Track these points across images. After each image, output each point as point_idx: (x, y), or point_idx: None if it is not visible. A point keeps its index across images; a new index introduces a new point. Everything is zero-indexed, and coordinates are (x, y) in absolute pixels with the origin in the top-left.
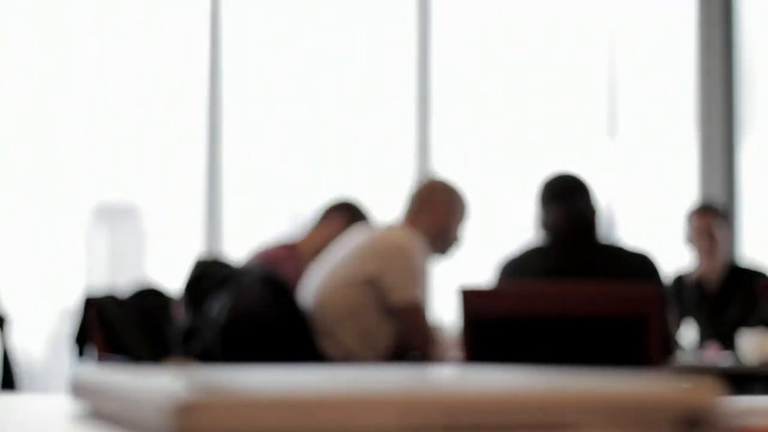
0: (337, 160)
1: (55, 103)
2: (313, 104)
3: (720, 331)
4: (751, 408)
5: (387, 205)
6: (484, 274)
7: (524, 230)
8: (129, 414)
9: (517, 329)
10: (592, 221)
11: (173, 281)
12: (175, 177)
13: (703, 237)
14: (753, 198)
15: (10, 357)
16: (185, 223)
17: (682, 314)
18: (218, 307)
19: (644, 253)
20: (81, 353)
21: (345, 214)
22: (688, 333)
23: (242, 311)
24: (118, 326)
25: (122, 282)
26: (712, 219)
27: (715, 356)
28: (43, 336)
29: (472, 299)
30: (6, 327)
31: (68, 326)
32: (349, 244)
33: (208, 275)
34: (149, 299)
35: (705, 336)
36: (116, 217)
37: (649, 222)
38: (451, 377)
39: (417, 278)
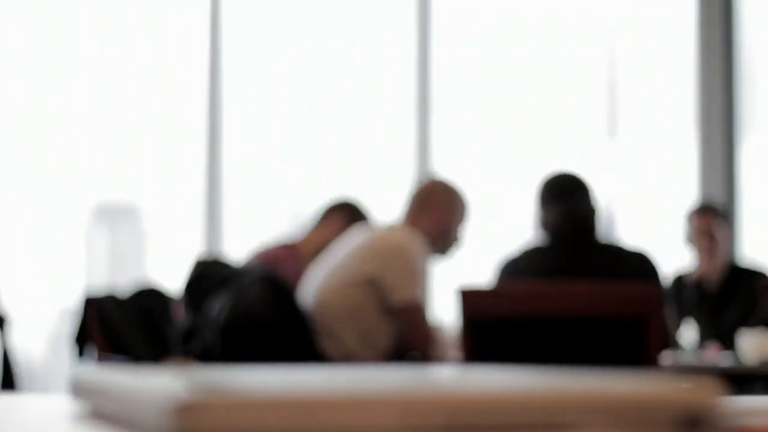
0: (337, 160)
1: (55, 103)
2: (313, 104)
3: (720, 331)
4: (751, 408)
5: (387, 205)
6: (484, 274)
7: (524, 230)
8: (129, 414)
9: (516, 329)
10: (592, 221)
11: (173, 281)
12: (175, 177)
13: (703, 237)
14: (753, 198)
15: (10, 357)
16: (185, 223)
17: (682, 314)
18: (218, 307)
19: (643, 253)
20: (81, 353)
21: (345, 214)
22: (688, 333)
23: (242, 311)
24: (118, 326)
25: (122, 282)
26: (712, 219)
27: (715, 356)
28: (43, 336)
29: (471, 299)
30: (6, 327)
31: (68, 326)
32: (349, 244)
33: (208, 275)
34: (149, 299)
35: (705, 336)
36: (116, 217)
37: (649, 222)
38: (451, 377)
39: (417, 278)
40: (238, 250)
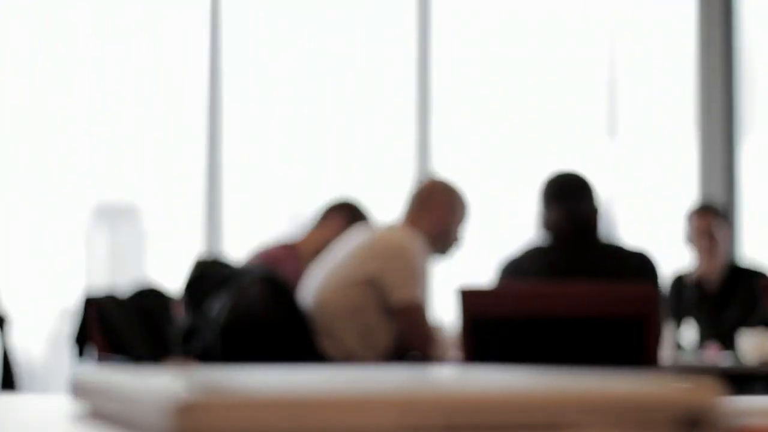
0: (337, 160)
1: (55, 103)
2: (313, 104)
3: (720, 331)
4: (751, 408)
5: (387, 205)
6: (484, 274)
7: (524, 230)
8: (129, 414)
9: (516, 329)
10: (594, 221)
11: (173, 281)
12: (175, 177)
13: (703, 237)
14: (753, 198)
15: (10, 357)
16: (185, 223)
17: (682, 314)
18: (218, 307)
19: (644, 253)
20: (81, 353)
21: (345, 214)
22: (688, 333)
23: (242, 311)
24: (118, 326)
25: (122, 282)
26: (712, 219)
27: (715, 356)
28: (43, 336)
29: (471, 299)
30: (6, 327)
31: (68, 326)
32: (349, 244)
33: (208, 275)
34: (149, 299)
35: (705, 336)
36: (116, 217)
37: (649, 222)
38: (451, 377)
39: (417, 278)
40: (238, 250)
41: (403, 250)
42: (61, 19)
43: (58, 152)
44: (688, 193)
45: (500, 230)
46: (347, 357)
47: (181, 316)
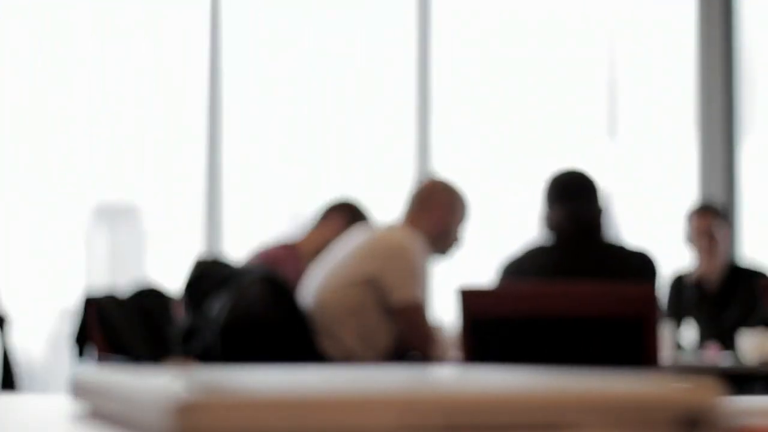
0: (337, 160)
1: (55, 103)
2: (313, 104)
3: (720, 331)
4: (751, 408)
5: (387, 205)
6: (484, 274)
7: (524, 230)
8: (129, 414)
9: (516, 329)
10: (597, 221)
11: (173, 281)
12: (175, 177)
13: (703, 237)
14: (753, 198)
15: (10, 357)
16: (185, 223)
17: (682, 314)
18: (218, 307)
19: (645, 253)
20: (81, 353)
21: (345, 214)
22: (688, 333)
23: (242, 311)
24: (118, 326)
25: (122, 282)
26: (712, 219)
27: (715, 356)
28: (43, 336)
29: (471, 299)
30: (6, 327)
31: (68, 326)
32: (349, 244)
33: (208, 275)
34: (149, 299)
35: (705, 336)
36: (116, 217)
37: (649, 222)
38: (451, 377)
39: (417, 278)
40: (238, 250)
41: (403, 250)
42: (61, 19)
43: (58, 152)
44: (688, 193)
45: (500, 230)
46: (347, 357)
47: (181, 316)
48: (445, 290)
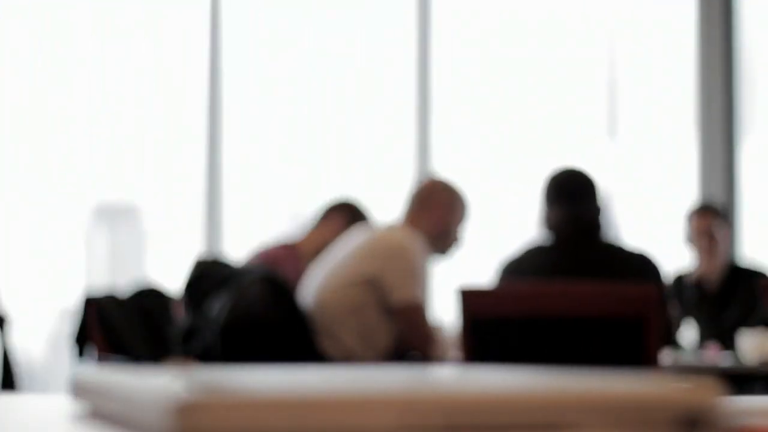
0: (337, 160)
1: (55, 103)
2: (313, 104)
3: (720, 331)
4: (751, 408)
5: (387, 205)
6: (484, 274)
7: (524, 230)
8: (129, 414)
9: (516, 329)
10: (596, 221)
11: (173, 281)
12: (175, 177)
13: (703, 237)
14: (753, 198)
15: (10, 357)
16: (185, 223)
17: (682, 314)
18: (218, 307)
19: (645, 254)
20: (81, 353)
21: (345, 214)
22: (688, 333)
23: (242, 311)
24: (118, 326)
25: (122, 282)
26: (712, 219)
27: (715, 356)
28: (43, 336)
29: (471, 299)
30: (6, 327)
31: (68, 326)
32: (349, 244)
33: (208, 275)
34: (149, 299)
35: (705, 336)
36: (116, 217)
37: (649, 222)
38: (451, 377)
39: (417, 278)
40: (238, 250)
41: (403, 250)
42: (61, 19)
43: (58, 152)
44: (688, 193)
45: (500, 230)
46: (347, 357)
47: (181, 316)
48: (445, 290)
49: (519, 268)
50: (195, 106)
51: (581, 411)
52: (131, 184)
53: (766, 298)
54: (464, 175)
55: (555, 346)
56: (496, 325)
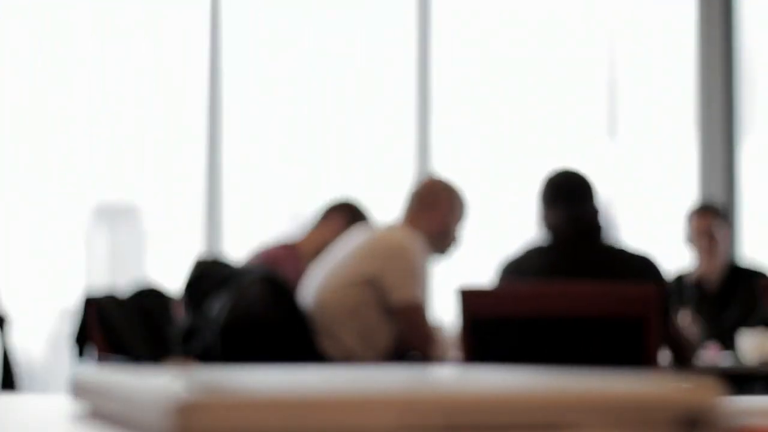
0: (337, 160)
1: (55, 103)
2: (313, 104)
3: (720, 331)
4: (751, 408)
5: (387, 205)
6: (484, 274)
7: (524, 230)
8: (129, 414)
9: (516, 329)
10: (595, 222)
11: (173, 281)
12: (175, 177)
13: (703, 237)
14: (753, 198)
15: (10, 357)
16: (185, 223)
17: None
18: (218, 307)
19: (647, 256)
20: (81, 353)
21: (345, 214)
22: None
23: (242, 311)
24: (118, 326)
25: (122, 282)
26: (712, 219)
27: (715, 356)
28: (43, 336)
29: (471, 299)
30: (6, 327)
31: (68, 326)
32: (349, 244)
33: (208, 275)
34: (149, 299)
35: (705, 336)
36: (116, 217)
37: (649, 222)
38: (451, 377)
39: (417, 278)
40: (238, 250)
41: (403, 250)
42: (61, 19)
43: (58, 152)
44: (688, 193)
45: (500, 230)
46: (347, 357)
47: (181, 316)
48: (445, 290)
49: (519, 269)
50: (195, 106)
51: (581, 411)
52: (131, 184)
53: (766, 298)
54: (464, 175)
55: (555, 346)
56: (496, 325)
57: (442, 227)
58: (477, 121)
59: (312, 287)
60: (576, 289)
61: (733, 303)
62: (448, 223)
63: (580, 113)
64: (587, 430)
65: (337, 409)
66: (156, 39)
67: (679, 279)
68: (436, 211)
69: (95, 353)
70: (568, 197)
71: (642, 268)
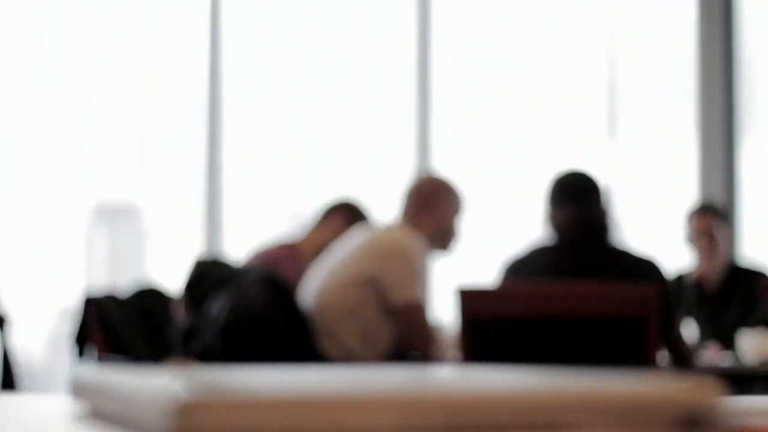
0: (337, 160)
1: (55, 103)
2: (313, 104)
3: (720, 331)
4: (751, 408)
5: (387, 205)
6: (484, 274)
7: (524, 230)
8: (129, 414)
9: (516, 329)
10: (602, 223)
11: (173, 281)
12: (175, 177)
13: (703, 237)
14: (753, 198)
15: (10, 357)
16: (185, 223)
17: (683, 314)
18: (218, 307)
19: (651, 260)
20: (81, 353)
21: (345, 214)
22: (688, 333)
23: (242, 311)
24: (118, 326)
25: (122, 282)
26: (712, 219)
27: (715, 356)
28: (43, 336)
29: (471, 299)
30: (6, 327)
31: (68, 326)
32: (349, 244)
33: (208, 275)
34: (149, 299)
35: (705, 336)
36: (116, 217)
37: (649, 222)
38: (451, 377)
39: (417, 278)
40: (238, 250)
41: (403, 250)
42: (61, 19)
43: (58, 152)
44: (688, 193)
45: (500, 230)
46: (347, 357)
47: (181, 316)
48: (445, 290)
49: (523, 269)
50: (195, 106)
51: (581, 411)
52: (131, 184)
53: (766, 298)
54: (464, 175)
55: (555, 346)
56: (496, 325)
57: (441, 225)
58: (477, 120)
59: (312, 287)
60: (576, 289)
61: (733, 303)
62: (447, 221)
63: (580, 113)
64: (587, 430)
65: (337, 409)
66: (156, 39)
67: (679, 279)
68: (434, 209)
69: (95, 353)
70: (576, 198)
71: (646, 271)
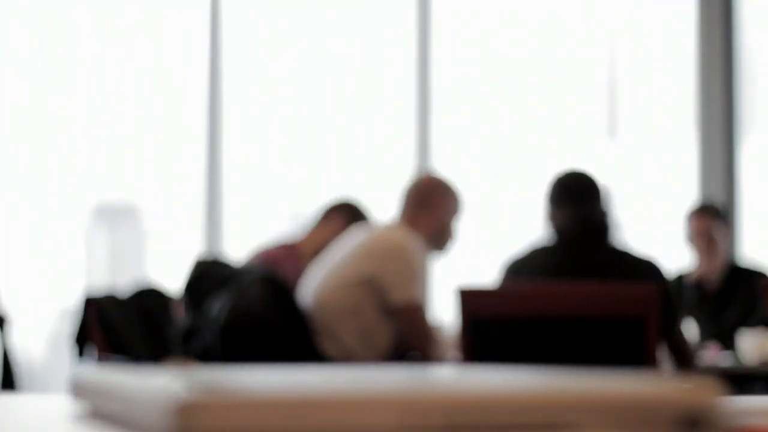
0: (337, 160)
1: (55, 103)
2: (313, 104)
3: (720, 331)
4: (751, 408)
5: (387, 205)
6: (484, 274)
7: (524, 230)
8: (129, 414)
9: (516, 329)
10: (602, 223)
11: (173, 281)
12: (175, 177)
13: (702, 237)
14: (753, 198)
15: (10, 357)
16: (185, 223)
17: (683, 314)
18: (218, 307)
19: (651, 260)
20: (81, 353)
21: (345, 214)
22: (688, 333)
23: (242, 311)
24: (118, 326)
25: (122, 282)
26: (712, 219)
27: (715, 356)
28: (43, 336)
29: (470, 299)
30: (6, 327)
31: (68, 326)
32: (348, 244)
33: (208, 275)
34: (149, 299)
35: (705, 336)
36: (116, 217)
37: (649, 222)
38: (451, 377)
39: (416, 278)
40: (238, 250)
41: (403, 250)
42: (61, 19)
43: (58, 152)
44: (688, 193)
45: (500, 230)
46: (347, 357)
47: (181, 316)
48: (445, 290)
49: (523, 269)
50: (195, 106)
51: (581, 411)
52: (131, 184)
53: (766, 298)
54: (464, 175)
55: (555, 346)
56: (496, 325)
57: (439, 225)
58: (477, 120)
59: (312, 287)
60: (576, 289)
61: (733, 303)
62: (445, 221)
63: (580, 113)
64: (587, 430)
65: (337, 409)
66: (156, 39)
67: (679, 279)
68: (432, 209)
69: (95, 353)
70: (577, 197)
71: (646, 271)
